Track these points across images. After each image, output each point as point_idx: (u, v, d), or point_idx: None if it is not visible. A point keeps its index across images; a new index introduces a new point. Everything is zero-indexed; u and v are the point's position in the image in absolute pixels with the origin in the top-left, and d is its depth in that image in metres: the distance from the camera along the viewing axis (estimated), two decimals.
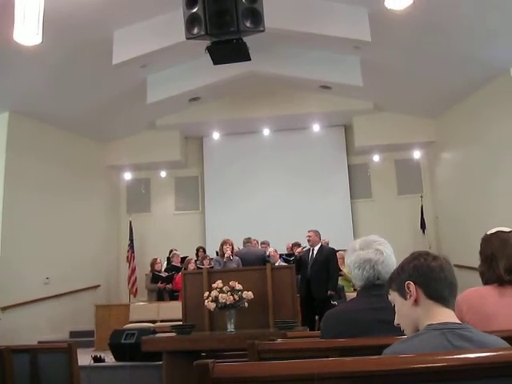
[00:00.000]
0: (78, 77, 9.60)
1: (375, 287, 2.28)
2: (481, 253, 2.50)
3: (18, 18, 5.96)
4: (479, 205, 10.20)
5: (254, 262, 8.36)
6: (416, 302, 1.73)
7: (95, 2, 7.77)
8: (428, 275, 1.72)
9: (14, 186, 10.12)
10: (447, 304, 1.70)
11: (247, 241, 9.09)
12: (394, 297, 1.83)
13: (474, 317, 2.22)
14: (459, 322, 1.65)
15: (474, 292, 2.36)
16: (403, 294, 1.77)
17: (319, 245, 8.33)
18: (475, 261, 2.55)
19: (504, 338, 1.58)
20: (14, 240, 9.92)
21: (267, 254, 9.32)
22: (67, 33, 8.21)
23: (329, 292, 7.92)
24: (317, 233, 8.36)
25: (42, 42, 6.16)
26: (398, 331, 1.81)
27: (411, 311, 1.75)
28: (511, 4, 7.44)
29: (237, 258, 8.17)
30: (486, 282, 2.42)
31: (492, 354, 1.26)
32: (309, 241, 8.35)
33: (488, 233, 2.52)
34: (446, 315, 1.66)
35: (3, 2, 6.19)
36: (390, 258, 2.31)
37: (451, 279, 1.72)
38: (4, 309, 9.46)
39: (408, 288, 1.74)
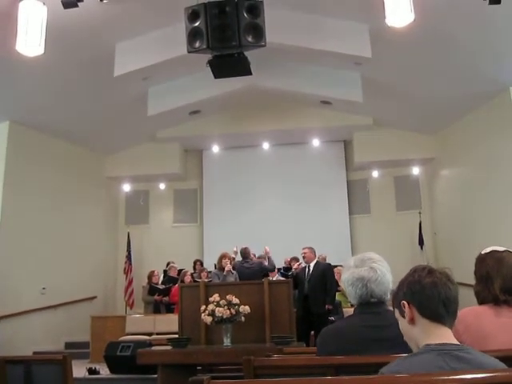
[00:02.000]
0: (79, 88, 9.62)
1: (371, 305, 2.28)
2: (476, 272, 2.49)
3: (21, 28, 6.00)
4: (477, 221, 10.20)
5: (251, 275, 8.34)
6: (412, 320, 1.72)
7: (97, 15, 7.81)
8: (420, 293, 1.70)
9: (13, 195, 10.10)
10: (444, 322, 1.67)
11: (245, 251, 9.05)
12: (396, 314, 1.83)
13: (470, 337, 2.21)
14: (457, 342, 1.64)
15: (470, 311, 2.35)
16: (401, 313, 1.77)
17: (315, 261, 8.33)
18: (473, 278, 2.54)
19: (501, 358, 1.58)
20: (11, 250, 9.89)
21: (264, 265, 9.26)
22: (69, 44, 8.24)
23: (326, 306, 7.90)
24: (312, 249, 8.37)
25: (44, 53, 6.20)
26: (393, 349, 1.81)
27: (409, 330, 1.74)
28: (510, 23, 7.48)
29: (234, 272, 8.16)
30: (481, 302, 2.41)
31: (488, 375, 1.26)
32: (304, 257, 8.36)
33: (482, 252, 2.52)
34: (443, 335, 1.65)
35: (6, 12, 6.22)
36: (385, 277, 2.30)
37: (446, 294, 1.68)
38: None
39: (403, 307, 1.74)
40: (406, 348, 1.74)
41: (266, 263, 9.45)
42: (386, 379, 1.30)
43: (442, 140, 11.96)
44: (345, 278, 2.35)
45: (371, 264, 2.30)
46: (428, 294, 1.69)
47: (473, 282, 2.51)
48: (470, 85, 9.32)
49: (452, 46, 8.37)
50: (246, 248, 9.09)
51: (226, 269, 7.96)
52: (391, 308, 2.31)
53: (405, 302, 1.73)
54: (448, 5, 7.35)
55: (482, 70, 8.80)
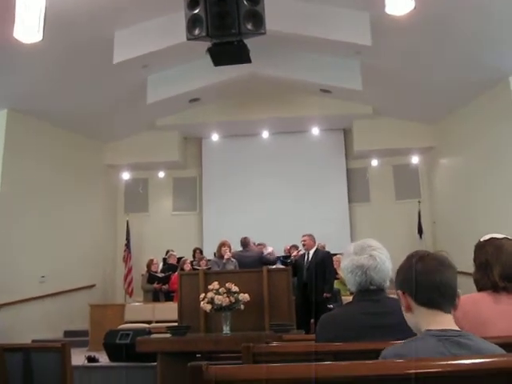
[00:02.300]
0: (78, 76, 9.59)
1: (370, 292, 2.28)
2: (475, 260, 2.49)
3: (19, 15, 5.96)
4: (477, 210, 10.21)
5: (251, 264, 8.35)
6: (408, 308, 1.72)
7: (97, 2, 7.77)
8: (412, 281, 1.69)
9: (11, 183, 10.09)
10: (441, 307, 1.66)
11: (244, 240, 9.06)
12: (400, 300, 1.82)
13: (469, 323, 2.21)
14: (457, 328, 1.64)
15: (468, 298, 2.35)
16: (401, 300, 1.77)
17: (314, 248, 8.35)
18: (471, 266, 2.54)
19: (500, 345, 1.58)
20: (10, 238, 9.89)
21: (266, 253, 9.30)
22: (68, 31, 8.20)
23: (324, 294, 7.93)
24: (311, 237, 8.38)
25: (43, 39, 6.15)
26: (392, 336, 1.81)
27: (410, 318, 1.74)
28: (510, 12, 7.45)
29: (234, 260, 8.16)
30: (480, 289, 2.41)
31: (487, 360, 1.26)
32: (304, 245, 8.37)
33: (481, 239, 2.52)
34: (443, 321, 1.64)
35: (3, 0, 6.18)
36: (384, 264, 2.29)
37: (441, 280, 1.66)
38: None
39: (399, 296, 1.74)
40: (405, 335, 1.74)
41: (265, 251, 9.48)
42: (384, 365, 1.31)
43: (442, 129, 11.95)
44: (344, 265, 2.34)
45: (371, 252, 2.30)
46: (419, 280, 1.68)
47: (471, 270, 2.51)
48: (470, 73, 9.30)
49: (452, 35, 8.34)
50: (245, 238, 9.09)
51: (225, 257, 7.96)
52: (391, 295, 2.32)
53: (399, 291, 1.73)
54: None
55: (482, 58, 8.77)
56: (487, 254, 2.42)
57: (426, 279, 1.68)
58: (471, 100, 10.37)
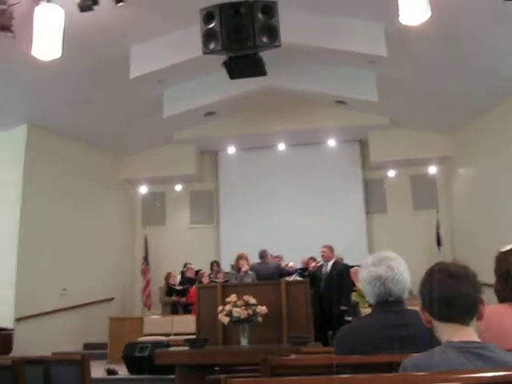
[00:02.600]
0: (95, 91, 9.69)
1: (389, 304, 2.26)
2: (496, 270, 2.45)
3: (37, 33, 6.06)
4: (496, 221, 10.11)
5: (268, 276, 8.33)
6: (429, 323, 1.72)
7: (113, 18, 7.86)
8: (425, 297, 1.69)
9: (32, 198, 10.20)
10: (455, 320, 1.65)
11: (263, 254, 9.05)
12: None
13: (492, 335, 2.19)
14: (479, 340, 1.62)
15: (491, 310, 2.33)
16: (421, 315, 1.76)
17: (333, 260, 8.30)
18: (491, 277, 2.52)
19: None
20: (31, 251, 9.98)
21: (282, 267, 9.28)
22: (86, 48, 8.30)
23: (341, 307, 7.87)
24: (331, 248, 8.34)
25: (62, 56, 6.25)
26: (412, 348, 1.80)
27: (436, 331, 1.72)
28: None
29: (251, 272, 8.15)
30: (502, 300, 2.38)
31: (510, 373, 1.24)
32: (323, 256, 8.33)
33: (502, 250, 2.49)
34: (462, 334, 1.62)
35: (23, 16, 6.28)
36: (402, 275, 2.27)
37: (445, 293, 1.64)
38: (19, 320, 9.50)
39: (421, 312, 1.74)
40: (425, 347, 1.73)
41: (283, 264, 9.46)
42: (403, 377, 1.30)
43: (460, 139, 11.87)
44: (362, 277, 2.33)
45: (388, 263, 2.28)
46: (427, 295, 1.68)
47: (491, 280, 2.48)
48: (486, 83, 9.23)
49: (468, 44, 8.30)
50: (264, 250, 9.08)
51: (242, 269, 7.96)
52: (410, 307, 2.30)
53: (420, 307, 1.73)
54: (463, 2, 7.30)
55: (498, 68, 8.71)
56: (509, 265, 2.38)
57: (434, 293, 1.67)
58: (489, 110, 10.28)
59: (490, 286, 2.50)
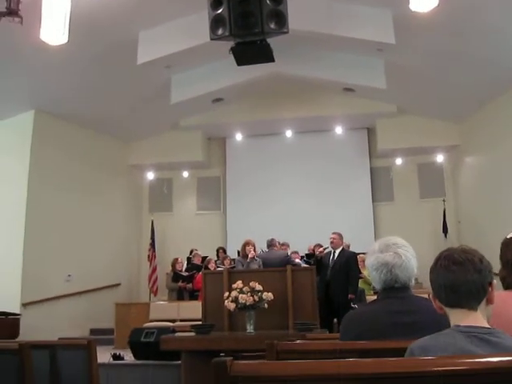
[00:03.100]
0: (103, 77, 9.68)
1: (395, 290, 2.26)
2: (501, 257, 2.43)
3: (45, 17, 6.05)
4: (502, 210, 10.08)
5: (276, 264, 8.32)
6: (441, 309, 1.72)
7: (121, 4, 7.84)
8: (433, 284, 1.70)
9: (38, 183, 10.24)
10: (462, 305, 1.65)
11: (271, 243, 9.03)
12: None
13: (496, 322, 2.18)
14: (487, 325, 1.62)
15: (497, 297, 2.33)
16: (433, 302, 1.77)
17: (341, 248, 8.28)
18: (497, 265, 2.51)
19: None
20: (37, 237, 10.04)
21: (289, 257, 9.26)
22: (93, 33, 8.29)
23: (349, 296, 7.86)
24: (340, 236, 8.30)
25: (68, 41, 6.23)
26: (417, 334, 1.80)
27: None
28: None
29: (258, 259, 8.15)
30: (507, 287, 2.37)
31: None
32: (332, 243, 8.28)
33: (508, 237, 2.47)
34: (469, 318, 1.63)
35: (31, 2, 6.27)
36: (410, 262, 2.26)
37: (453, 279, 1.65)
38: (26, 305, 9.58)
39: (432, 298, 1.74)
40: (430, 333, 1.73)
41: (290, 251, 9.45)
42: (409, 362, 1.30)
43: (467, 127, 11.82)
44: (369, 263, 2.32)
45: (396, 249, 2.27)
46: (435, 282, 1.69)
47: (496, 269, 2.47)
48: (495, 71, 9.17)
49: (476, 32, 8.23)
50: (272, 239, 9.05)
51: (249, 256, 7.96)
52: (415, 294, 2.30)
53: (431, 294, 1.73)
54: None
55: (507, 56, 8.64)
56: None
57: (440, 280, 1.68)
58: (497, 98, 10.22)
59: (496, 274, 2.49)
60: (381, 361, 1.25)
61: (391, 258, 2.25)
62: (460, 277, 1.65)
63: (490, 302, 1.69)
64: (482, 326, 1.60)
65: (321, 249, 8.80)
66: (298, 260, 9.34)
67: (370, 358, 1.29)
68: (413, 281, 2.30)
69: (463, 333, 1.56)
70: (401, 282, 2.24)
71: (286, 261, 8.38)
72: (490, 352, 1.46)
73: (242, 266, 8.02)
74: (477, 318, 1.63)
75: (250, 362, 1.26)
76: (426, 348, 1.55)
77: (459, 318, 1.64)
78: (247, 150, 13.64)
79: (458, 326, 1.60)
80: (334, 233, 8.33)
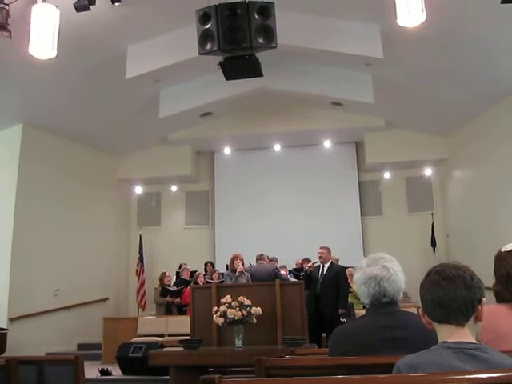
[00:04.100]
0: (91, 91, 9.67)
1: (383, 305, 2.26)
2: (495, 271, 2.42)
3: (34, 32, 6.05)
4: (491, 224, 10.13)
5: (264, 278, 8.30)
6: (430, 324, 1.72)
7: (109, 18, 7.86)
8: (423, 299, 1.71)
9: (26, 197, 10.18)
10: (450, 321, 1.65)
11: (260, 257, 9.02)
12: None
13: (487, 336, 2.18)
14: (474, 341, 1.62)
15: (486, 310, 2.33)
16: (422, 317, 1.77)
17: (330, 262, 8.27)
18: (486, 280, 2.51)
19: None
20: (25, 250, 9.96)
21: (278, 270, 9.24)
22: (82, 48, 8.29)
23: (340, 310, 7.85)
24: (328, 250, 8.31)
25: (57, 55, 6.23)
26: (405, 350, 1.80)
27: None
28: None
29: (247, 274, 8.14)
30: (501, 301, 2.36)
31: (503, 374, 1.24)
32: (320, 257, 8.28)
33: (502, 250, 2.46)
34: (456, 334, 1.62)
35: (20, 16, 6.27)
36: (397, 276, 2.27)
37: (438, 295, 1.65)
38: (13, 320, 9.47)
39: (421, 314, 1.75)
40: (418, 349, 1.73)
41: (278, 266, 9.43)
42: (398, 379, 1.30)
43: (455, 141, 11.90)
44: (357, 278, 2.33)
45: (383, 263, 2.29)
46: (424, 297, 1.70)
47: (487, 283, 2.47)
48: (481, 86, 9.26)
49: (464, 46, 8.32)
50: (261, 255, 9.06)
51: (238, 270, 7.96)
52: (403, 309, 2.30)
53: (420, 309, 1.74)
54: (459, 5, 7.31)
55: (494, 70, 8.74)
56: (508, 267, 2.36)
57: (428, 295, 1.68)
58: (485, 111, 10.30)
59: (488, 288, 2.49)
60: (368, 378, 1.25)
61: (379, 271, 2.26)
62: (449, 292, 1.65)
63: (478, 319, 1.68)
64: (469, 341, 1.60)
65: (310, 263, 8.78)
66: (284, 272, 9.31)
67: (358, 375, 1.29)
68: (401, 295, 2.30)
69: (451, 349, 1.56)
70: (389, 296, 2.25)
71: (275, 274, 8.37)
72: (477, 368, 1.46)
73: (231, 280, 8.01)
74: (464, 334, 1.63)
75: (238, 379, 1.25)
76: (412, 365, 1.55)
77: (447, 333, 1.64)
78: (236, 164, 13.64)
79: (446, 342, 1.60)
80: (322, 247, 8.33)
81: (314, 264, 8.62)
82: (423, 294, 1.70)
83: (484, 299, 1.68)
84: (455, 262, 1.75)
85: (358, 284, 2.33)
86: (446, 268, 1.70)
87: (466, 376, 1.25)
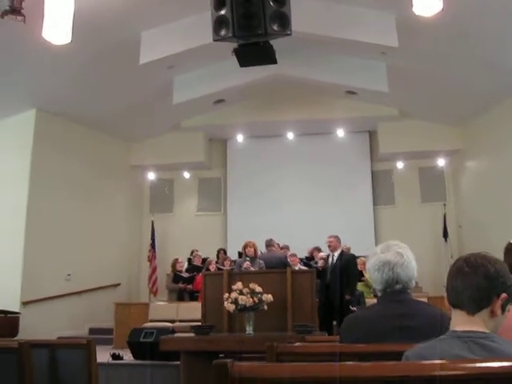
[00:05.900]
0: (105, 77, 9.68)
1: (395, 293, 2.26)
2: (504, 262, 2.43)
3: (48, 16, 6.05)
4: (503, 215, 10.07)
5: (275, 265, 8.31)
6: (449, 310, 1.73)
7: (123, 4, 7.85)
8: (447, 283, 1.72)
9: (39, 183, 10.24)
10: (463, 308, 1.66)
11: (269, 243, 9.01)
12: None
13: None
14: (484, 330, 1.62)
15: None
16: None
17: (339, 250, 8.28)
18: None
19: None
20: (38, 236, 10.04)
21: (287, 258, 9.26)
22: (96, 33, 8.29)
23: (346, 296, 7.87)
24: (337, 238, 8.31)
25: (71, 41, 6.23)
26: (416, 339, 1.80)
27: None
28: None
29: (261, 261, 8.12)
30: None
31: (510, 364, 1.24)
32: (329, 246, 8.30)
33: (511, 241, 2.47)
34: (467, 322, 1.63)
35: (34, 1, 6.27)
36: (411, 262, 2.28)
37: (460, 282, 1.66)
38: (25, 304, 9.58)
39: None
40: (429, 337, 1.73)
41: (289, 254, 9.44)
42: (409, 366, 1.30)
43: (469, 131, 11.81)
44: (370, 264, 2.32)
45: (397, 249, 2.29)
46: (448, 281, 1.71)
47: None
48: (497, 76, 9.17)
49: (481, 36, 8.24)
50: (270, 239, 9.06)
51: (249, 255, 7.96)
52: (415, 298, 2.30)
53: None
54: None
55: (510, 60, 8.64)
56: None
57: (451, 278, 1.70)
58: (499, 102, 10.21)
59: None
60: (378, 365, 1.25)
61: (393, 256, 2.26)
62: (468, 279, 1.66)
63: (493, 314, 1.65)
64: (479, 330, 1.60)
65: (321, 260, 8.76)
66: (292, 262, 9.29)
67: (369, 362, 1.30)
68: (413, 283, 2.30)
69: (460, 338, 1.56)
70: (402, 283, 2.25)
71: (285, 262, 8.39)
72: (485, 356, 1.47)
73: (240, 267, 8.01)
74: (474, 323, 1.63)
75: (252, 363, 1.26)
76: (421, 355, 1.55)
77: (458, 320, 1.65)
78: (248, 151, 13.63)
79: (455, 331, 1.61)
80: (330, 236, 8.34)
81: (326, 258, 8.59)
82: (448, 278, 1.72)
83: (505, 295, 1.65)
84: (487, 252, 1.75)
85: (372, 270, 2.32)
86: (473, 256, 1.71)
87: (477, 365, 1.25)
